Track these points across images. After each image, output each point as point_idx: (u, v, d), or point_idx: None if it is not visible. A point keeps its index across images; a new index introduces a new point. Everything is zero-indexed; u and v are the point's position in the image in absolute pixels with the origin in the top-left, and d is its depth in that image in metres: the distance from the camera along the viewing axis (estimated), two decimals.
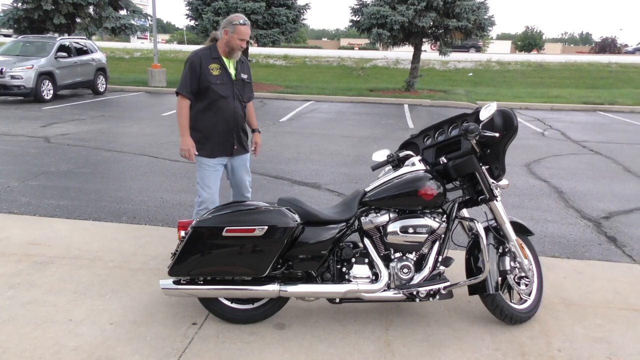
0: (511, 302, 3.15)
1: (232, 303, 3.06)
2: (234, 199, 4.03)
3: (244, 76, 3.69)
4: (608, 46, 62.50)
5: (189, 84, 3.50)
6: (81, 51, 15.21)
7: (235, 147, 3.70)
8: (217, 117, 3.58)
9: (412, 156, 3.25)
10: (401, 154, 3.33)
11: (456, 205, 3.13)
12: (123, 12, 19.57)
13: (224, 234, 2.77)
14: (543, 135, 10.67)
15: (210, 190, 3.68)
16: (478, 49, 43.07)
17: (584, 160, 8.19)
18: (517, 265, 3.17)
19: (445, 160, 3.09)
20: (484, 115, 2.88)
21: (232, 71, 3.61)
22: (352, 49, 56.32)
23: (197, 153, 3.60)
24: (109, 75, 16.59)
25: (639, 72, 25.50)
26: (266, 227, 2.77)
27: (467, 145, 3.01)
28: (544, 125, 12.20)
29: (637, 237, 4.83)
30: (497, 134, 2.88)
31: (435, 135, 3.30)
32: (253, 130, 3.95)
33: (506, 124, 2.93)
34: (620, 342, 3.01)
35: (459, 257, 3.33)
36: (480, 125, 2.93)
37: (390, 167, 3.38)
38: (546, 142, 9.90)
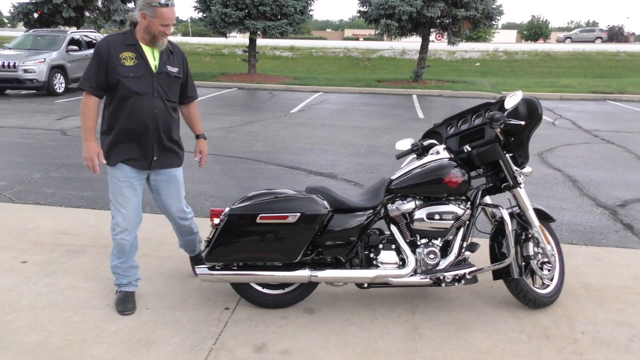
0: (534, 286, 3.24)
1: (263, 288, 3.16)
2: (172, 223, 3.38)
3: (172, 69, 2.96)
4: (615, 35, 61.97)
5: (93, 78, 2.82)
6: (91, 44, 15.25)
7: (155, 157, 2.99)
8: (130, 118, 2.88)
9: (435, 145, 3.34)
10: (425, 143, 3.41)
11: (480, 192, 3.20)
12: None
13: (257, 220, 2.86)
14: (554, 125, 10.70)
15: (125, 211, 2.98)
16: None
17: (596, 150, 8.22)
18: (540, 250, 3.25)
19: (470, 149, 3.16)
20: (510, 103, 2.95)
21: (153, 62, 2.90)
22: (357, 39, 56.13)
23: (104, 162, 2.97)
24: None
25: None
26: (298, 214, 2.86)
27: (492, 133, 3.08)
28: (554, 114, 12.21)
29: None
30: (522, 122, 2.94)
31: (459, 124, 3.38)
32: (197, 137, 3.38)
33: (530, 113, 3.00)
34: None
35: (481, 243, 3.41)
36: (505, 113, 3.00)
37: (414, 155, 3.46)
38: (557, 131, 9.93)
